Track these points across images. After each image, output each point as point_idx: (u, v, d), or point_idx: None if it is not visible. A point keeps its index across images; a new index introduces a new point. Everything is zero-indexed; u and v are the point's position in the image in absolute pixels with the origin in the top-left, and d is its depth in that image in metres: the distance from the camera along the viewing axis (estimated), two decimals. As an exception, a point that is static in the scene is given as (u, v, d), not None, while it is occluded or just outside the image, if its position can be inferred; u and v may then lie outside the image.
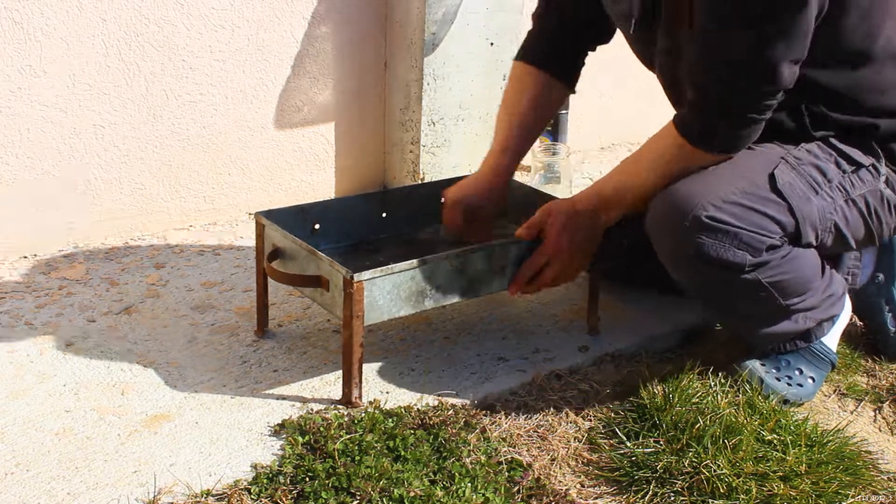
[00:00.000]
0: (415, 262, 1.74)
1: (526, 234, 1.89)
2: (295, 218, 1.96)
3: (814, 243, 1.80)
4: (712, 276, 1.77)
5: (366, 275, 1.68)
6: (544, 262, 1.87)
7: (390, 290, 1.73)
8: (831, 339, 1.97)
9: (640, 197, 1.85)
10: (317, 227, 2.00)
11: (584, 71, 2.15)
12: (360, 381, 1.76)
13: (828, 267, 1.92)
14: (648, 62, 1.98)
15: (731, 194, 1.73)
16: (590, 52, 2.13)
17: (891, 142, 1.88)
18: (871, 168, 1.85)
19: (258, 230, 1.91)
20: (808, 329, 1.92)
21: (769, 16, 1.64)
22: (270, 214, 1.91)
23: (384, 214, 2.11)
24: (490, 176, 2.08)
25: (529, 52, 2.12)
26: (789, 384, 1.91)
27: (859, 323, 2.17)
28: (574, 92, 2.16)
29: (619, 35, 2.08)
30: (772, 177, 1.76)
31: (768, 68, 1.67)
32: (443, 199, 2.08)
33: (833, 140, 1.85)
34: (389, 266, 1.71)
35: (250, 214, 2.65)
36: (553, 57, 2.10)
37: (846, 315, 2.01)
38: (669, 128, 1.80)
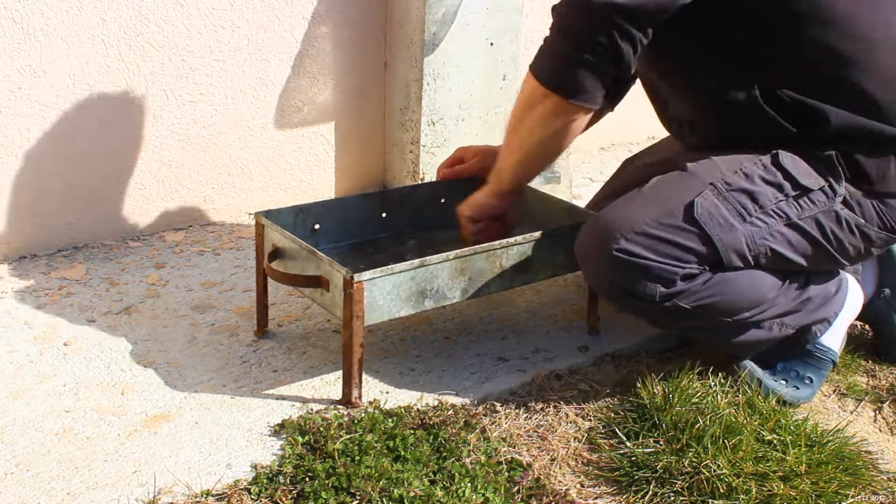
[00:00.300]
0: (415, 262, 1.74)
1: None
2: (295, 218, 1.96)
3: (742, 267, 1.77)
4: (634, 306, 1.77)
5: (366, 275, 1.68)
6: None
7: (390, 291, 1.73)
8: (832, 338, 1.95)
9: (515, 152, 1.89)
10: (317, 227, 2.00)
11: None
12: (360, 381, 1.76)
13: (802, 274, 1.87)
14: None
15: (644, 224, 1.71)
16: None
17: (849, 148, 1.79)
18: (824, 190, 1.79)
19: (258, 230, 1.91)
20: (789, 336, 1.90)
21: None
22: (270, 214, 1.91)
23: (384, 214, 2.12)
24: None
25: None
26: (786, 385, 1.91)
27: (862, 327, 2.17)
28: (612, 110, 2.14)
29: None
30: (690, 205, 1.73)
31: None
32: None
33: (784, 160, 1.78)
34: (389, 266, 1.71)
35: (250, 214, 2.65)
36: None
37: (850, 312, 1.98)
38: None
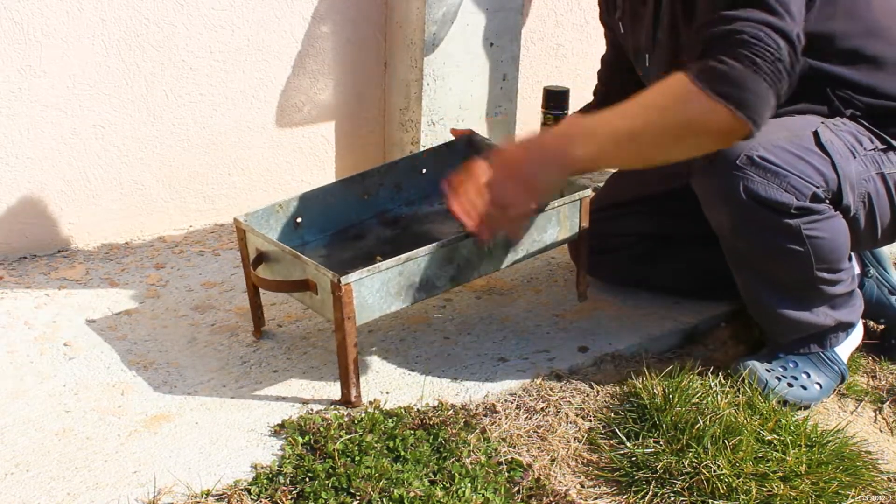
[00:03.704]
0: (401, 257, 1.72)
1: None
2: (275, 216, 1.93)
3: (851, 208, 1.81)
4: (758, 218, 1.77)
5: (353, 276, 1.67)
6: (482, 169, 1.70)
7: (379, 288, 1.71)
8: (843, 352, 1.97)
9: (619, 136, 1.67)
10: (299, 220, 1.97)
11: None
12: (358, 381, 1.76)
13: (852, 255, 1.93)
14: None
15: (780, 140, 1.76)
16: None
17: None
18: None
19: (239, 235, 1.86)
20: (826, 331, 1.91)
21: None
22: (250, 217, 1.87)
23: (365, 196, 2.08)
24: None
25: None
26: (791, 385, 1.90)
27: (873, 326, 2.17)
28: None
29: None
30: (815, 133, 1.80)
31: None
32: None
33: (863, 120, 1.87)
34: (376, 265, 1.70)
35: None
36: None
37: (859, 333, 2.01)
38: (673, 74, 1.67)
